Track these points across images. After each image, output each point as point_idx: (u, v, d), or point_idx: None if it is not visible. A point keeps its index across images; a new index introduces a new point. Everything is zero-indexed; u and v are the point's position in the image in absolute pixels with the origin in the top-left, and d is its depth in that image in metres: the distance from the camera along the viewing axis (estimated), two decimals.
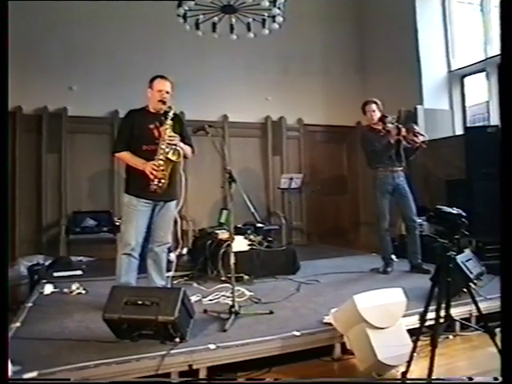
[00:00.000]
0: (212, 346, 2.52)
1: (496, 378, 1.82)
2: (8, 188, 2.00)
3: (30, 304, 3.55)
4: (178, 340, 2.54)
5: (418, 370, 2.39)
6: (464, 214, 2.23)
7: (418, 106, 6.80)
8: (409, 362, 2.36)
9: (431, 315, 2.35)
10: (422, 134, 4.59)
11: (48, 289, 3.98)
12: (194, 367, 2.40)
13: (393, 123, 4.62)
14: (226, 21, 5.49)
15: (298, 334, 2.75)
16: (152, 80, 3.53)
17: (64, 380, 2.13)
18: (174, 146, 3.33)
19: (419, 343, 2.42)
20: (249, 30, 5.49)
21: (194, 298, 3.46)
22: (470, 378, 2.24)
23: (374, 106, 4.70)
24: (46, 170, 6.46)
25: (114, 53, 6.70)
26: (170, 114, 3.36)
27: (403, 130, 4.53)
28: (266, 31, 5.46)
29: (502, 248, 1.85)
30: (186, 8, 5.11)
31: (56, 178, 6.52)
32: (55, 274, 4.68)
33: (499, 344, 2.16)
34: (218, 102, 7.15)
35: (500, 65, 2.14)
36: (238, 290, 3.64)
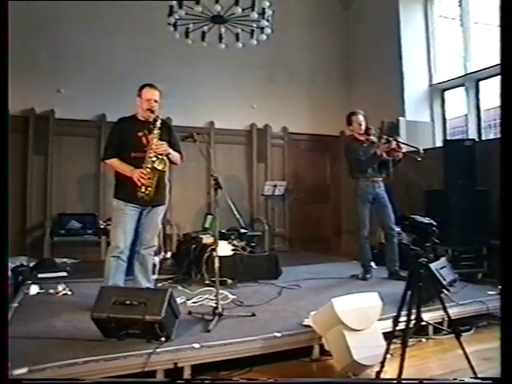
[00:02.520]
0: (196, 345, 2.62)
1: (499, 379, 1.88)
2: (8, 187, 2.07)
3: (15, 304, 3.58)
4: (163, 339, 2.63)
5: (391, 369, 2.52)
6: (435, 223, 2.39)
7: (401, 118, 7.00)
8: (382, 363, 2.50)
9: (404, 318, 2.49)
10: (416, 148, 4.65)
11: (33, 289, 4.02)
12: (179, 365, 2.50)
13: (374, 135, 4.79)
14: (215, 30, 5.62)
15: (278, 335, 2.86)
16: (141, 88, 3.60)
17: (54, 380, 2.21)
18: (160, 156, 3.42)
19: (394, 346, 2.57)
20: (237, 40, 5.63)
21: (178, 300, 3.51)
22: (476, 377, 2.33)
23: (361, 117, 4.86)
24: (31, 172, 6.47)
25: (103, 57, 6.76)
26: (158, 124, 3.44)
27: (393, 142, 4.63)
28: (254, 42, 5.61)
29: (502, 250, 1.91)
30: (177, 17, 5.23)
31: (42, 180, 6.54)
32: (40, 276, 4.71)
33: (465, 346, 2.33)
34: (205, 109, 7.26)
35: (501, 73, 2.21)
36: (222, 294, 3.72)
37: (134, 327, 2.62)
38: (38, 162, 6.53)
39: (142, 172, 3.38)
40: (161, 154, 3.43)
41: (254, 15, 5.11)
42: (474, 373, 2.29)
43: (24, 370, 2.21)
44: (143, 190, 3.41)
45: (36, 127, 6.50)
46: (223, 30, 5.58)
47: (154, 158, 3.40)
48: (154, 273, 3.93)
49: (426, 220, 2.42)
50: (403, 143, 4.77)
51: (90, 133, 6.76)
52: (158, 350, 2.51)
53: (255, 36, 5.58)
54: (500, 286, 3.56)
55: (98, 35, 6.72)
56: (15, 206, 6.29)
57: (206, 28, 5.56)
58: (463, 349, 2.32)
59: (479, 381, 2.27)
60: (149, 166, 3.39)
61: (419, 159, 4.50)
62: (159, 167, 3.42)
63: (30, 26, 6.42)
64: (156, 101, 3.56)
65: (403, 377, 2.30)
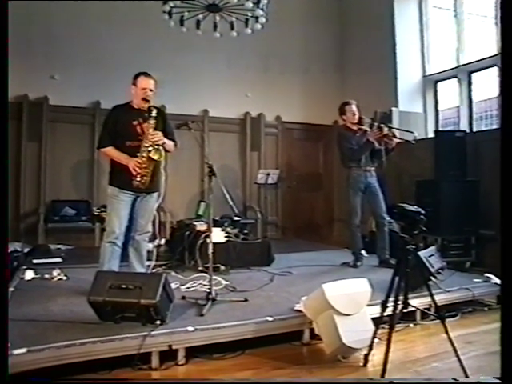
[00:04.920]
0: (190, 329, 2.70)
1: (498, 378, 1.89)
2: (8, 180, 2.11)
3: (11, 288, 3.62)
4: (158, 322, 2.70)
5: (379, 353, 2.61)
6: (423, 211, 2.47)
7: (393, 108, 7.07)
8: (370, 346, 2.59)
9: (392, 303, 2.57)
10: (411, 132, 4.72)
11: (29, 275, 4.07)
12: (174, 347, 2.57)
13: (367, 124, 4.86)
14: (210, 19, 5.61)
15: (270, 319, 2.94)
16: (136, 77, 3.59)
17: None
18: (156, 146, 3.45)
19: (382, 330, 2.66)
20: (232, 28, 5.63)
21: (172, 286, 3.58)
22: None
23: (354, 107, 4.91)
24: (25, 158, 6.47)
25: (98, 44, 6.74)
26: (153, 114, 3.45)
27: (385, 129, 4.69)
28: (249, 31, 5.61)
29: (502, 246, 1.91)
30: (172, 5, 5.22)
31: (35, 167, 6.55)
32: (35, 261, 4.74)
33: (449, 330, 2.43)
34: (199, 97, 7.27)
35: (501, 65, 2.22)
36: (215, 279, 3.78)
37: (130, 310, 2.68)
38: (32, 148, 6.53)
39: (137, 161, 3.42)
40: (157, 144, 3.46)
41: (249, 4, 5.12)
42: (457, 355, 2.38)
43: (23, 350, 2.27)
44: (138, 178, 3.45)
45: (30, 114, 6.49)
46: (218, 18, 5.56)
47: (150, 148, 3.43)
48: (150, 259, 3.99)
49: (414, 208, 2.50)
50: (395, 128, 4.84)
51: (84, 120, 6.77)
52: (153, 332, 2.58)
53: (250, 25, 5.58)
54: (500, 283, 3.68)
55: (93, 22, 6.70)
56: (9, 193, 6.31)
57: (200, 16, 5.54)
58: (447, 332, 2.41)
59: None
60: (144, 155, 3.42)
61: (413, 142, 4.58)
62: (155, 157, 3.45)
63: (25, 11, 6.35)
64: (151, 90, 3.56)
65: (390, 360, 2.39)
